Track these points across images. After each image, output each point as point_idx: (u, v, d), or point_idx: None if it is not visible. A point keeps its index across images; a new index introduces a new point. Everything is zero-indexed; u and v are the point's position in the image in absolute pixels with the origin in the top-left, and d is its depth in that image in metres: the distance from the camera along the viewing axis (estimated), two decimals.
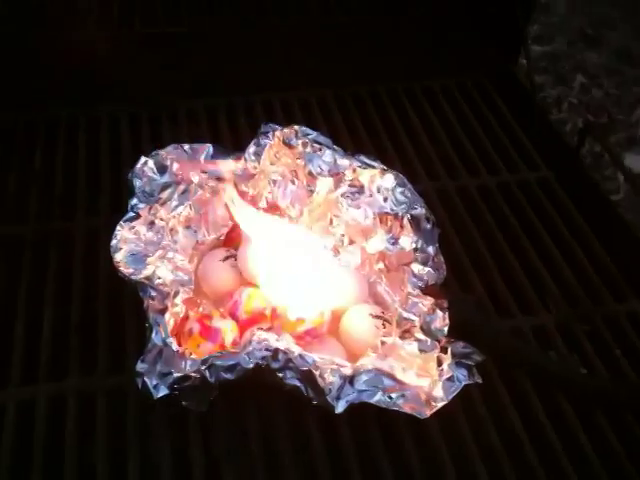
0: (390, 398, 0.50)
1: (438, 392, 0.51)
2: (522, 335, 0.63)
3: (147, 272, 0.58)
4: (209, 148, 0.66)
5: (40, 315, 0.63)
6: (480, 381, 0.53)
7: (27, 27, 0.79)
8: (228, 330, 0.57)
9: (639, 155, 1.66)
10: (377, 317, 0.58)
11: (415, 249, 0.61)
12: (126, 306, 0.62)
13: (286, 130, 0.64)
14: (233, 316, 0.59)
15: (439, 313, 0.57)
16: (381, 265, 0.63)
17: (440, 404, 0.51)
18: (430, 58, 0.89)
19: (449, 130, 0.84)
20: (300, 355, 0.51)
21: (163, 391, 0.52)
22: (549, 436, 0.56)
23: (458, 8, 0.88)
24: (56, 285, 0.65)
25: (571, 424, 0.57)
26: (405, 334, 0.56)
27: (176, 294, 0.58)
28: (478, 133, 0.84)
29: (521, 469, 0.54)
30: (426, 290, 0.60)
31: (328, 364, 0.51)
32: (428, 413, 0.50)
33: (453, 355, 0.53)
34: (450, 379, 0.52)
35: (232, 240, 0.65)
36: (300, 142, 0.64)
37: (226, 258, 0.63)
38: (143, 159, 0.64)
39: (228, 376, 0.51)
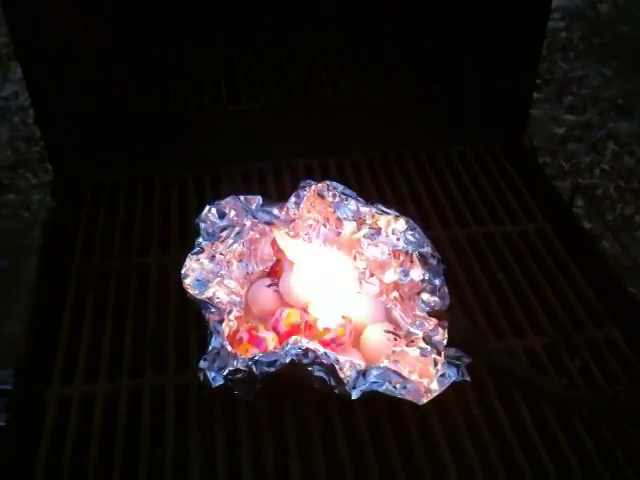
0: (395, 388, 0.64)
1: (434, 386, 0.64)
2: (514, 354, 0.76)
3: (208, 294, 0.74)
4: (259, 199, 0.82)
5: (123, 328, 0.79)
6: (469, 379, 0.66)
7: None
8: (270, 339, 0.72)
9: None
10: (389, 332, 0.72)
11: (422, 280, 0.75)
12: (190, 322, 0.78)
13: (320, 185, 0.81)
14: (275, 329, 0.74)
15: (440, 330, 0.70)
16: (396, 294, 0.77)
17: (434, 394, 0.64)
18: (448, 130, 1.05)
19: (461, 187, 0.99)
20: (325, 353, 0.65)
21: (219, 381, 0.66)
22: (533, 437, 0.68)
23: (473, 89, 1.05)
24: (136, 305, 0.82)
25: (551, 428, 0.69)
26: (410, 343, 0.69)
27: (230, 312, 0.73)
28: (487, 190, 0.99)
29: (507, 461, 0.66)
30: (432, 314, 0.74)
31: (347, 361, 0.65)
32: (425, 401, 0.64)
33: (446, 357, 0.66)
34: (443, 375, 0.65)
35: (275, 272, 0.81)
36: (331, 194, 0.80)
37: (270, 285, 0.78)
38: (207, 207, 0.81)
39: (270, 369, 0.65)
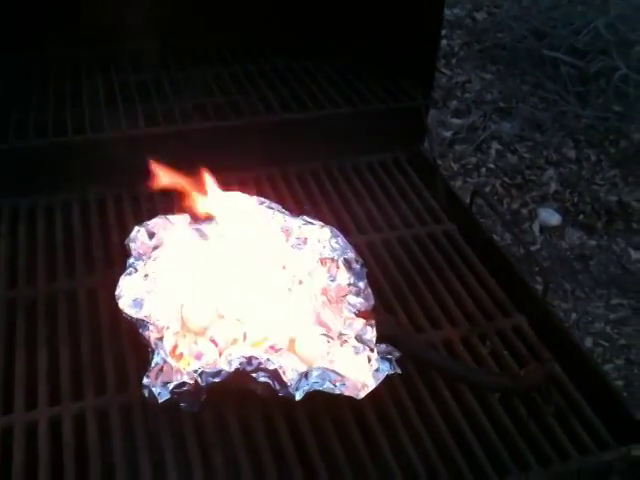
0: (335, 386, 0.69)
1: (369, 380, 0.70)
2: (433, 345, 0.83)
3: (145, 312, 0.76)
4: (187, 217, 0.85)
5: (57, 353, 0.79)
6: (400, 371, 0.72)
7: None
8: (210, 352, 0.75)
9: (550, 210, 1.93)
10: (323, 335, 0.78)
11: (348, 284, 0.81)
12: (125, 341, 0.80)
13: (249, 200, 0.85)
14: (213, 342, 0.77)
15: (369, 328, 0.77)
16: (324, 298, 0.82)
17: (371, 388, 0.70)
18: (357, 143, 1.12)
19: (373, 195, 1.06)
20: (268, 359, 0.69)
21: (165, 396, 0.69)
22: (455, 414, 0.75)
23: (377, 106, 1.12)
24: (68, 329, 0.82)
25: (469, 403, 0.76)
26: (344, 344, 0.75)
27: (167, 328, 0.76)
28: (395, 197, 1.06)
29: (436, 440, 0.73)
30: (359, 314, 0.80)
31: (288, 365, 0.70)
32: (362, 395, 0.69)
33: (378, 353, 0.73)
34: (377, 370, 0.71)
35: None
36: (259, 208, 0.85)
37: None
38: (136, 228, 0.83)
39: (216, 379, 0.69)
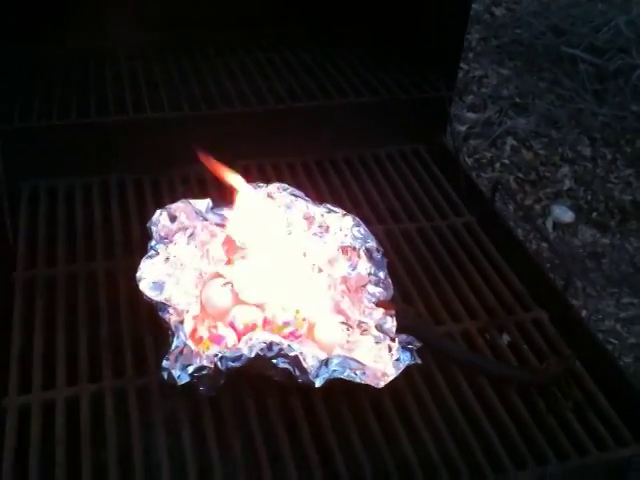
0: (355, 374, 0.69)
1: (390, 370, 0.70)
2: (452, 337, 0.83)
3: (165, 295, 0.76)
4: (209, 201, 0.85)
5: (76, 335, 0.79)
6: (420, 362, 0.72)
7: None
8: (229, 336, 0.75)
9: (564, 207, 1.92)
10: (342, 323, 0.77)
11: (369, 273, 0.81)
12: (144, 323, 0.80)
13: (270, 186, 0.85)
14: (232, 327, 0.77)
15: (389, 318, 0.76)
16: (343, 287, 0.82)
17: (391, 378, 0.69)
18: (378, 134, 1.11)
19: (393, 186, 1.05)
20: (289, 345, 0.69)
21: (185, 379, 0.69)
22: (473, 405, 0.75)
23: (399, 95, 1.11)
24: (87, 310, 0.82)
25: (488, 396, 0.76)
26: (364, 332, 0.75)
27: (187, 312, 0.76)
28: (415, 188, 1.06)
29: (454, 432, 0.73)
30: (378, 304, 0.79)
31: (309, 352, 0.70)
32: (382, 384, 0.69)
33: (399, 343, 0.72)
34: (398, 360, 0.71)
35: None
36: (280, 195, 0.84)
37: (224, 284, 0.81)
38: (158, 211, 0.83)
39: (236, 364, 0.69)
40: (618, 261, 1.80)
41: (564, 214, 1.92)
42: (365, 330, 0.75)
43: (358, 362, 0.70)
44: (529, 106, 2.31)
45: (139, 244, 0.88)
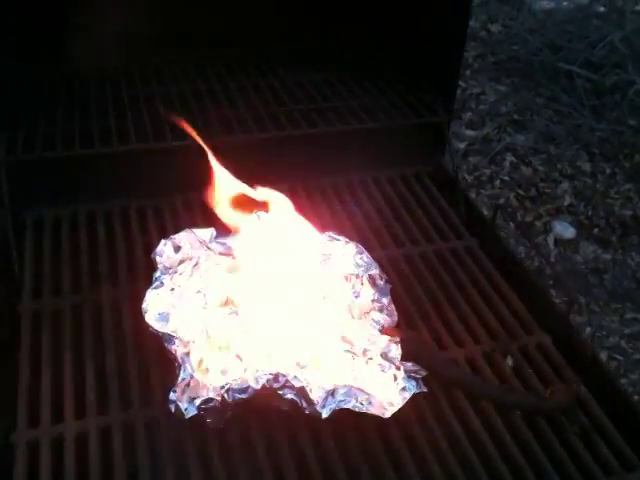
0: (362, 404, 0.69)
1: (396, 399, 0.70)
2: (457, 363, 0.83)
3: (171, 327, 0.77)
4: (212, 231, 0.86)
5: (83, 367, 0.80)
6: (426, 390, 0.72)
7: None
8: (236, 367, 0.75)
9: (565, 223, 1.93)
10: (347, 351, 0.78)
11: (372, 300, 0.81)
12: (151, 355, 0.80)
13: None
14: (239, 358, 0.77)
15: (393, 346, 0.77)
16: (348, 315, 0.82)
17: (397, 407, 0.70)
18: (378, 158, 1.12)
19: (394, 209, 1.06)
20: (295, 376, 0.69)
21: (192, 411, 0.69)
22: (479, 432, 0.75)
23: (399, 121, 1.12)
24: (92, 342, 0.82)
25: (494, 422, 0.76)
26: (369, 361, 0.75)
27: (193, 342, 0.76)
28: (416, 211, 1.07)
29: (461, 462, 0.73)
30: (383, 331, 0.80)
31: (314, 383, 0.70)
32: (389, 414, 0.69)
33: (405, 371, 0.73)
34: (403, 389, 0.71)
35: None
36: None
37: (229, 314, 0.81)
38: (163, 241, 0.84)
39: (242, 396, 0.69)
40: (620, 276, 1.80)
41: (565, 230, 1.92)
42: (370, 358, 0.75)
43: (364, 392, 0.70)
44: (527, 122, 2.32)
45: (143, 272, 0.89)
